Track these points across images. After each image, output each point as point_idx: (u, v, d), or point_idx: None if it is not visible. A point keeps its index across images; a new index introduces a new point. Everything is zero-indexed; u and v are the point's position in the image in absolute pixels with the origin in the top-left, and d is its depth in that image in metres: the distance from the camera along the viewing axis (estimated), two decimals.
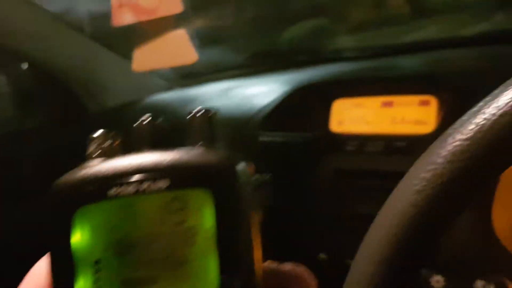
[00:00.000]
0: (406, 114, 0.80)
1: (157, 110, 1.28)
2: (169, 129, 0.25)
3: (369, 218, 0.70)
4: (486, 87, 0.32)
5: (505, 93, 0.29)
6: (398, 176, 0.71)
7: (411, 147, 0.69)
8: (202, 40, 1.63)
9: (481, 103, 0.30)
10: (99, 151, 0.23)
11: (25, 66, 1.27)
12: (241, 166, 0.22)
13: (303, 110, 0.91)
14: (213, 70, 1.54)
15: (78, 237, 0.22)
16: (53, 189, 0.22)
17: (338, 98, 0.88)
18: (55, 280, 0.22)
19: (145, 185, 0.21)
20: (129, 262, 0.22)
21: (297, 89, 0.94)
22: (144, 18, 0.67)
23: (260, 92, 1.01)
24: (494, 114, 0.29)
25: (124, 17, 0.67)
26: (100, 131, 0.24)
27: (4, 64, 1.29)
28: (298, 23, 1.49)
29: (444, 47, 1.00)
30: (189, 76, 1.54)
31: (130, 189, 0.21)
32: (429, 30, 1.23)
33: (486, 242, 0.60)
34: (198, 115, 0.24)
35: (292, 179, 0.82)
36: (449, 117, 0.74)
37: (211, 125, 0.24)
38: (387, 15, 1.49)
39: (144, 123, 0.24)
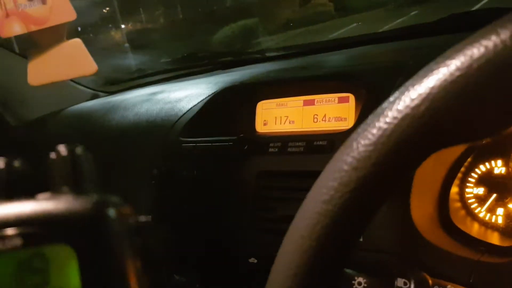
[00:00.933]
0: (327, 112, 0.81)
1: (80, 120, 1.24)
2: (29, 172, 0.22)
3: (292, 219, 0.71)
4: (401, 82, 0.31)
5: (407, 94, 0.28)
6: (318, 175, 0.72)
7: (332, 145, 0.70)
8: (129, 44, 1.60)
9: (384, 104, 0.30)
10: None
11: None
12: (111, 212, 0.20)
13: (228, 112, 0.91)
14: (138, 75, 1.51)
15: None
16: None
17: (262, 99, 0.88)
18: None
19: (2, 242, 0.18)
20: None
21: (221, 91, 0.94)
22: (34, 28, 0.63)
23: (186, 95, 1.00)
24: (395, 118, 0.28)
25: (12, 28, 0.63)
26: None
27: None
28: (226, 25, 1.49)
29: (364, 44, 1.02)
30: (115, 82, 1.50)
31: None
32: (351, 28, 1.27)
33: (406, 235, 0.61)
34: (60, 155, 0.21)
35: (216, 184, 0.81)
36: (367, 113, 0.76)
37: (76, 166, 0.21)
38: (311, 14, 1.51)
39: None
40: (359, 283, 0.59)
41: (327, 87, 0.81)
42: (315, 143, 0.71)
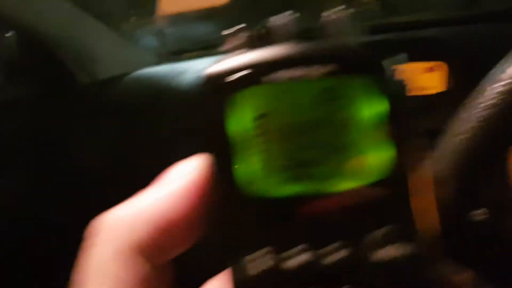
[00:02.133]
0: (413, 81, 0.80)
1: (147, 84, 1.26)
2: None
3: None
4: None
5: None
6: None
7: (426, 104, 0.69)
8: (193, 15, 1.62)
9: None
10: (239, 44, 0.23)
11: (10, 33, 1.23)
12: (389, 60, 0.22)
13: None
14: (202, 46, 1.52)
15: (234, 124, 0.21)
16: (206, 78, 0.22)
17: None
18: (217, 169, 0.22)
19: (308, 70, 0.21)
20: (290, 146, 0.22)
21: None
22: None
23: None
24: None
25: None
26: (235, 27, 0.23)
27: None
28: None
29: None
30: (177, 53, 1.52)
31: (291, 73, 0.21)
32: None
33: None
34: (333, 13, 0.23)
35: None
36: (457, 81, 0.75)
37: (350, 24, 0.23)
38: None
39: (282, 20, 0.23)
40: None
41: (414, 56, 0.80)
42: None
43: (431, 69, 0.77)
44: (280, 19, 0.23)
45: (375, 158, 0.21)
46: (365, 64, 0.21)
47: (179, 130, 1.06)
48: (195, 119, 0.22)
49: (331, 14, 0.22)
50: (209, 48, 1.48)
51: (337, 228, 0.21)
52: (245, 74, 0.21)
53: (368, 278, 0.21)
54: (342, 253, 0.21)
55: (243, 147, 0.21)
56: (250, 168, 0.21)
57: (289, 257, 0.21)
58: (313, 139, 0.22)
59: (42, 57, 1.22)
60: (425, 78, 0.77)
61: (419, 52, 0.82)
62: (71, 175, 1.17)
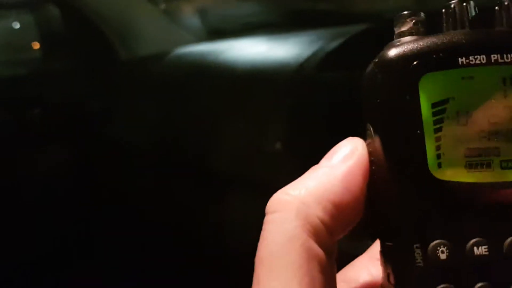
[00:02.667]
0: None
1: (188, 62, 1.25)
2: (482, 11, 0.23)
3: None
4: None
5: None
6: None
7: None
8: None
9: None
10: (414, 29, 0.23)
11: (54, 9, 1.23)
12: None
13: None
14: (243, 26, 1.50)
15: (423, 105, 0.22)
16: (393, 56, 0.22)
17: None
18: (403, 150, 0.22)
19: (494, 57, 0.21)
20: (471, 133, 0.22)
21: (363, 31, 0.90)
22: None
23: (302, 41, 0.98)
24: None
25: None
26: (406, 12, 0.23)
27: (35, 5, 1.25)
28: None
29: None
30: (219, 32, 1.51)
31: (479, 59, 0.21)
32: None
33: None
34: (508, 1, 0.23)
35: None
36: None
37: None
38: None
39: (457, 4, 0.23)
40: None
41: None
42: None
43: None
44: (459, 3, 0.23)
45: None
46: None
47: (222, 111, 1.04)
48: (373, 98, 0.22)
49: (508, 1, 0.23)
50: (250, 28, 1.46)
51: None
52: (441, 55, 0.21)
53: None
54: None
55: (430, 132, 0.22)
56: (435, 152, 0.22)
57: (464, 251, 0.21)
58: (495, 127, 0.22)
59: (85, 31, 1.22)
60: None
61: None
62: (110, 148, 1.17)
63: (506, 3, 0.22)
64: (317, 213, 0.22)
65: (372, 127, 0.23)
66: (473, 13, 0.23)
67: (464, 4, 0.23)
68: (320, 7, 1.44)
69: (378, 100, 0.22)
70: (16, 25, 1.29)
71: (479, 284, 0.21)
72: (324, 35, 1.00)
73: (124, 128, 1.20)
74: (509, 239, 0.21)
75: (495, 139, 0.22)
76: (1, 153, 1.15)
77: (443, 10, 0.23)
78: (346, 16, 1.35)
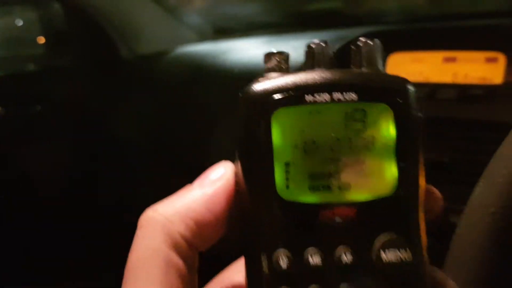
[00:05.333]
0: (470, 71, 0.76)
1: (189, 61, 1.25)
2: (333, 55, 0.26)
3: (438, 164, 0.67)
4: None
5: None
6: (474, 123, 0.68)
7: (490, 95, 0.66)
8: None
9: None
10: (278, 66, 0.26)
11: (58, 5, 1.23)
12: (412, 88, 0.25)
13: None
14: (245, 26, 1.50)
15: (275, 135, 0.25)
16: (253, 92, 0.25)
17: (395, 51, 0.84)
18: (257, 176, 0.25)
19: (337, 95, 0.25)
20: (315, 159, 0.25)
21: (348, 43, 0.90)
22: None
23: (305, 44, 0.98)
24: None
25: None
26: (274, 50, 0.26)
27: (38, 2, 1.25)
28: None
29: None
30: (221, 31, 1.51)
31: (324, 97, 0.25)
32: None
33: None
34: (362, 43, 0.26)
35: None
36: None
37: (377, 52, 0.26)
38: None
39: (316, 46, 0.26)
40: None
41: (472, 44, 0.77)
42: (468, 92, 0.67)
43: (492, 59, 0.74)
44: (318, 45, 0.26)
45: (387, 175, 0.25)
46: (383, 94, 0.25)
47: (219, 111, 1.04)
48: (238, 128, 0.26)
49: (361, 43, 0.26)
50: (252, 28, 1.46)
51: (349, 233, 0.25)
52: (291, 93, 0.25)
53: (371, 279, 0.25)
54: (349, 256, 0.25)
55: (280, 158, 0.25)
56: (284, 175, 0.25)
57: (302, 260, 0.25)
58: (334, 155, 0.25)
59: (88, 29, 1.22)
60: (485, 68, 0.74)
61: (476, 41, 0.78)
62: (110, 146, 1.17)
63: (360, 44, 0.26)
64: (180, 229, 0.25)
65: (236, 153, 0.26)
66: (331, 54, 0.26)
67: (324, 45, 0.26)
68: (325, 8, 1.45)
69: (241, 129, 0.26)
70: (19, 22, 1.29)
71: (313, 286, 0.25)
72: (326, 37, 1.00)
73: (125, 126, 1.20)
74: (339, 249, 0.25)
75: (336, 165, 0.25)
76: (3, 149, 1.16)
77: (305, 50, 0.26)
78: (350, 18, 1.35)
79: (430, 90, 0.71)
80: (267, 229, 0.25)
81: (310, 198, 0.25)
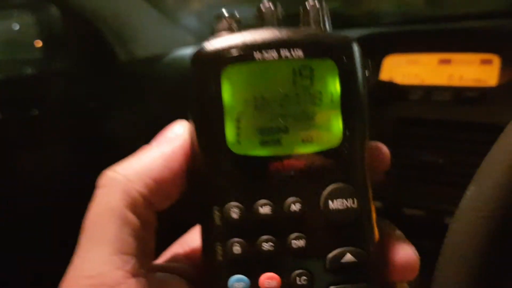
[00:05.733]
0: (465, 73, 0.76)
1: (186, 64, 1.25)
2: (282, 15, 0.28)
3: (433, 166, 0.67)
4: None
5: None
6: (468, 125, 0.68)
7: (483, 97, 0.66)
8: None
9: None
10: (228, 27, 0.27)
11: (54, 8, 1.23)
12: (357, 46, 0.26)
13: None
14: (243, 29, 1.50)
15: (225, 91, 0.26)
16: (203, 52, 0.26)
17: (390, 53, 0.85)
18: (208, 129, 0.26)
19: (284, 52, 0.25)
20: (265, 115, 0.26)
21: None
22: None
23: None
24: None
25: None
26: (225, 10, 0.27)
27: (34, 4, 1.26)
28: None
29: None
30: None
31: (272, 54, 0.25)
32: None
33: None
34: (309, 5, 0.27)
35: None
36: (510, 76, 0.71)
37: (324, 13, 0.27)
38: None
39: (265, 7, 0.27)
40: None
41: (467, 46, 0.77)
42: (463, 94, 0.67)
43: (487, 61, 0.74)
44: (268, 7, 0.27)
45: (333, 128, 0.26)
46: (329, 51, 0.26)
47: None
48: (190, 87, 0.27)
49: (309, 5, 0.27)
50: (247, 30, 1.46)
51: (298, 184, 0.26)
52: (240, 51, 0.25)
53: (319, 227, 0.26)
54: (299, 206, 0.26)
55: (231, 113, 0.26)
56: (235, 131, 0.26)
57: (252, 210, 0.26)
58: (283, 110, 0.26)
59: (85, 32, 1.22)
60: (480, 70, 0.74)
61: (471, 43, 0.78)
62: (108, 149, 1.17)
63: (308, 6, 0.27)
64: (139, 188, 0.25)
65: (189, 112, 0.27)
66: (280, 15, 0.27)
67: (273, 6, 0.27)
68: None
69: (192, 88, 0.26)
70: (16, 26, 1.30)
71: (264, 237, 0.26)
72: None
73: (123, 129, 1.20)
74: (289, 199, 0.26)
75: (285, 120, 0.26)
76: (0, 153, 1.16)
77: (256, 12, 0.27)
78: (347, 20, 1.35)
79: (425, 92, 0.72)
80: (219, 183, 0.26)
81: (260, 151, 0.26)
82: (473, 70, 0.75)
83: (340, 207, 0.26)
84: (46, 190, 1.14)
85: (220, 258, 0.26)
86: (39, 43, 1.29)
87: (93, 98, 1.23)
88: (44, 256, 1.15)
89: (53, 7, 1.23)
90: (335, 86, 0.26)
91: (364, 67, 0.27)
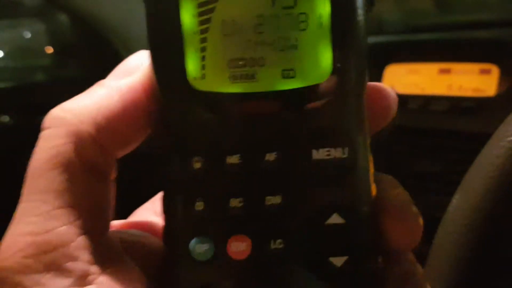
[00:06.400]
0: (464, 83, 0.78)
1: None
2: None
3: (431, 176, 0.69)
4: None
5: None
6: (465, 135, 0.69)
7: (481, 107, 0.67)
8: None
9: None
10: None
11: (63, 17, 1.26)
12: None
13: None
14: None
15: (184, 12, 0.21)
16: None
17: (392, 63, 0.86)
18: (165, 61, 0.21)
19: None
20: (236, 43, 0.21)
21: None
22: None
23: None
24: None
25: None
26: None
27: (44, 13, 1.28)
28: None
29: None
30: None
31: None
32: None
33: None
34: None
35: None
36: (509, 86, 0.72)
37: None
38: None
39: None
40: None
41: (466, 56, 0.78)
42: (461, 104, 0.69)
43: (486, 71, 0.75)
44: None
45: (320, 59, 0.21)
46: None
47: None
48: (148, 13, 0.22)
49: None
50: None
51: (275, 128, 0.21)
52: None
53: (299, 181, 0.21)
54: (274, 156, 0.21)
55: (193, 41, 0.21)
56: (199, 62, 0.21)
57: (218, 160, 0.21)
58: (259, 37, 0.21)
59: (94, 40, 1.24)
60: (479, 80, 0.75)
61: (470, 53, 0.79)
62: None
63: None
64: (88, 128, 0.21)
65: (147, 39, 0.22)
66: None
67: None
68: None
69: (147, 13, 0.22)
70: (27, 34, 1.32)
71: (232, 193, 0.21)
72: None
73: None
74: (263, 147, 0.21)
75: (261, 49, 0.21)
76: (12, 158, 1.18)
77: None
78: None
79: (424, 102, 0.73)
80: (179, 127, 0.22)
81: (230, 88, 0.21)
82: (472, 80, 0.77)
83: (327, 157, 0.21)
84: None
85: (180, 216, 0.22)
86: (50, 50, 1.31)
87: None
88: None
89: (63, 15, 1.26)
90: (324, 6, 0.21)
91: None
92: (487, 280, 0.36)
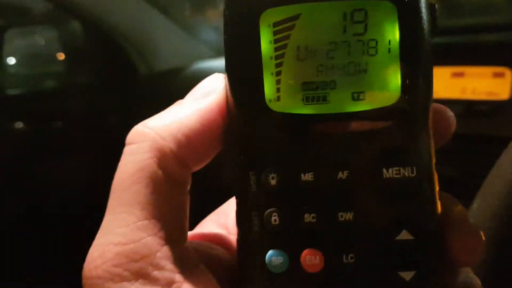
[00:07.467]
0: (478, 86, 0.77)
1: (205, 77, 1.27)
2: None
3: (447, 180, 0.68)
4: None
5: None
6: (479, 138, 0.69)
7: (494, 110, 0.67)
8: None
9: None
10: None
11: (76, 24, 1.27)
12: None
13: None
14: None
15: (263, 39, 0.22)
16: None
17: None
18: (244, 83, 0.23)
19: None
20: (310, 67, 0.22)
21: None
22: None
23: None
24: None
25: None
26: None
27: (56, 20, 1.30)
28: None
29: None
30: None
31: None
32: None
33: None
34: None
35: None
36: None
37: None
38: None
39: None
40: None
41: (480, 60, 0.78)
42: (475, 107, 0.69)
43: (500, 74, 0.75)
44: None
45: (389, 83, 0.22)
46: None
47: None
48: (229, 40, 0.23)
49: None
50: None
51: (346, 148, 0.22)
52: None
53: (370, 198, 0.22)
54: (346, 173, 0.22)
55: (270, 65, 0.22)
56: (275, 85, 0.22)
57: (292, 177, 0.22)
58: (331, 62, 0.22)
59: (106, 46, 1.25)
60: (493, 83, 0.75)
61: (483, 56, 0.79)
62: None
63: None
64: (170, 145, 0.23)
65: (225, 64, 0.23)
66: None
67: None
68: None
69: (226, 36, 0.23)
70: (40, 41, 1.34)
71: (306, 208, 0.22)
72: None
73: None
74: (336, 166, 0.22)
75: (332, 73, 0.22)
76: (25, 164, 1.19)
77: None
78: None
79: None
80: (255, 145, 0.23)
81: (303, 109, 0.22)
82: (486, 83, 0.76)
83: (396, 176, 0.22)
84: (68, 201, 1.17)
85: (256, 230, 0.23)
86: (61, 56, 1.32)
87: (114, 110, 1.26)
88: (67, 263, 1.17)
89: (75, 22, 1.27)
90: (393, 33, 0.22)
91: (429, 9, 0.23)
92: (507, 285, 0.36)
